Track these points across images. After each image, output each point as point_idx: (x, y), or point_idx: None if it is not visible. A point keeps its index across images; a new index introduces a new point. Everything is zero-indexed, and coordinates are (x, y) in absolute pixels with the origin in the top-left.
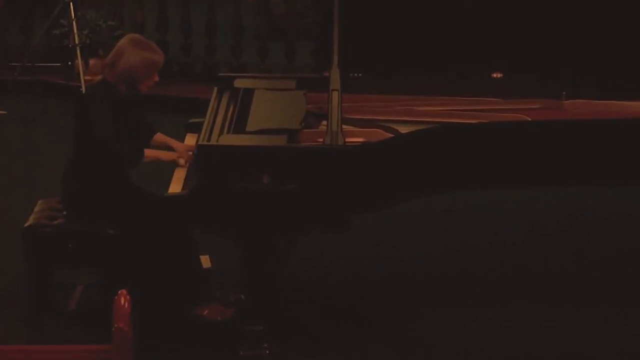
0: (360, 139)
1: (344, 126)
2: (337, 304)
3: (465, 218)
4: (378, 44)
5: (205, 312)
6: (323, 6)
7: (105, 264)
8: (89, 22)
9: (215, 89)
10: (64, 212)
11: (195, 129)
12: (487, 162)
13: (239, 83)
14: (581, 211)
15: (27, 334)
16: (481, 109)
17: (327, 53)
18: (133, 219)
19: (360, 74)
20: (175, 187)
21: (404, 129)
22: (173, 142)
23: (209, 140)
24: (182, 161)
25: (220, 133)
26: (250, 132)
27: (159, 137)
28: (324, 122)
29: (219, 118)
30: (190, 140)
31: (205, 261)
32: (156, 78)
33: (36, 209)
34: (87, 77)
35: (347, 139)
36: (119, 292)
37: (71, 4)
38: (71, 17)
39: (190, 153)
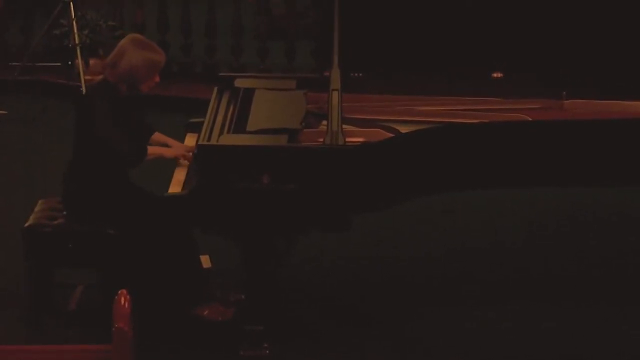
0: (361, 139)
1: (344, 126)
2: (337, 304)
3: (465, 218)
4: (378, 44)
5: (205, 312)
6: (323, 6)
7: (105, 264)
8: (89, 22)
9: (215, 89)
10: (64, 212)
11: (195, 129)
12: (487, 162)
13: (239, 83)
14: (581, 211)
15: (27, 334)
16: (481, 109)
17: (327, 53)
18: (133, 219)
19: (360, 74)
20: (175, 187)
21: (404, 129)
22: (171, 142)
23: (209, 140)
24: (184, 162)
25: (220, 133)
26: (250, 132)
27: (157, 136)
28: (324, 122)
29: (219, 118)
30: (190, 140)
31: (205, 261)
32: (157, 78)
33: (36, 208)
34: (87, 77)
35: (347, 139)
36: (119, 292)
37: (71, 4)
38: (71, 17)
39: (190, 154)
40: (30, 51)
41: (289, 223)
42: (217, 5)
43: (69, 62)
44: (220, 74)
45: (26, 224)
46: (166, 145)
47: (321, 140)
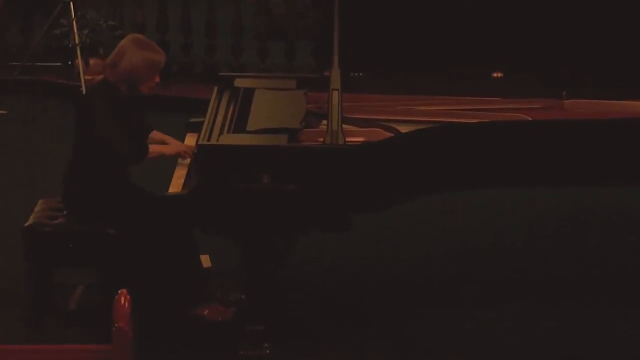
0: (361, 139)
1: (344, 126)
2: (337, 304)
3: (465, 218)
4: (378, 44)
5: (206, 312)
6: (323, 6)
7: (105, 264)
8: (89, 22)
9: (216, 88)
10: (64, 212)
11: (195, 128)
12: (487, 161)
13: (239, 83)
14: (581, 211)
15: (27, 334)
16: (481, 109)
17: (327, 53)
18: (133, 219)
19: (360, 74)
20: (175, 187)
21: (404, 129)
22: (168, 139)
23: (209, 140)
24: (186, 159)
25: (221, 133)
26: (250, 132)
27: (155, 134)
28: (324, 122)
29: (219, 118)
30: (190, 140)
31: (205, 261)
32: (157, 79)
33: (36, 208)
34: (87, 77)
35: (347, 139)
36: (119, 292)
37: (71, 3)
38: (71, 16)
39: (190, 153)
40: (30, 51)
41: (289, 223)
42: (217, 5)
43: (69, 62)
44: (220, 73)
45: (26, 224)
46: (164, 143)
47: (321, 140)
